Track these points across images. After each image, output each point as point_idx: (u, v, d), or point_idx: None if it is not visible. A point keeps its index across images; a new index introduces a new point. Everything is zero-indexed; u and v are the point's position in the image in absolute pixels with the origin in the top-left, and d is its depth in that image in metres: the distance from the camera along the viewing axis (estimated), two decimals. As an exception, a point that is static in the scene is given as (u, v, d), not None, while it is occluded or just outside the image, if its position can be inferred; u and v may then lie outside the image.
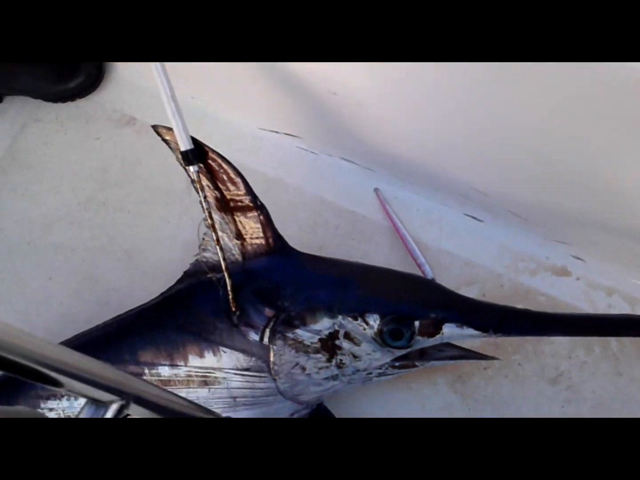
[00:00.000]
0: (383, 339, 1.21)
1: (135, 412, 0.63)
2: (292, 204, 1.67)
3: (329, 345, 1.23)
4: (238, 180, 1.28)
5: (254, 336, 1.26)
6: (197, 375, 1.29)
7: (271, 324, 1.25)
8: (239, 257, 1.34)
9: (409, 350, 1.23)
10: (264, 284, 1.29)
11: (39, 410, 1.32)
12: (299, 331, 1.23)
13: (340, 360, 1.24)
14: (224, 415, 1.29)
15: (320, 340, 1.23)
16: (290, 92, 1.59)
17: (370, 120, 1.55)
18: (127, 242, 1.71)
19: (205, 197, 1.26)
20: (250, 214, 1.30)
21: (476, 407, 1.39)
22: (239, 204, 1.30)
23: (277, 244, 1.33)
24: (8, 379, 1.37)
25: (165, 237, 1.69)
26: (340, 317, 1.22)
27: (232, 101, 1.76)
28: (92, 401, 0.58)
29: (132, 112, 1.89)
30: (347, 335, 1.22)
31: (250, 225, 1.31)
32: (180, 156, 1.26)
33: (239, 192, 1.29)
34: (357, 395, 1.42)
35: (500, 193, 1.52)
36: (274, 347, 1.24)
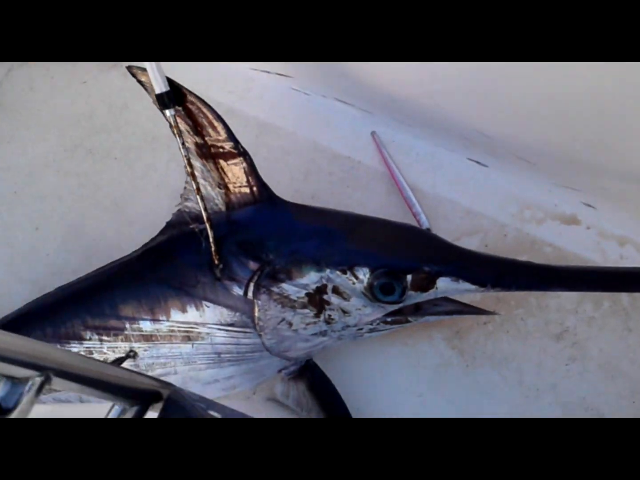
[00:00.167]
0: (373, 293, 1.15)
1: (60, 386, 0.56)
2: (284, 150, 1.58)
3: (316, 300, 1.17)
4: (219, 124, 1.20)
5: (237, 290, 1.20)
6: (179, 331, 1.24)
7: (255, 277, 1.19)
8: (222, 207, 1.27)
9: (400, 305, 1.17)
10: (248, 236, 1.23)
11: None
12: (284, 285, 1.17)
13: (329, 315, 1.19)
14: (208, 371, 1.26)
15: (307, 294, 1.17)
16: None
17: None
18: (114, 191, 1.65)
19: (183, 143, 1.18)
20: (232, 161, 1.22)
21: (474, 364, 1.33)
22: (221, 150, 1.22)
23: (262, 194, 1.26)
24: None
25: (153, 185, 1.63)
26: (328, 271, 1.16)
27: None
28: (7, 379, 0.52)
29: (118, 53, 1.79)
30: (335, 290, 1.16)
31: (234, 173, 1.24)
32: (155, 99, 1.17)
33: (220, 138, 1.21)
34: (348, 351, 1.36)
35: (507, 135, 1.40)
36: (259, 302, 1.19)
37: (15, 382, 0.52)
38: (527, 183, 1.45)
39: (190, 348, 1.24)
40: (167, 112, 1.17)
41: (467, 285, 1.12)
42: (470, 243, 1.38)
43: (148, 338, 1.25)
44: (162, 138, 1.66)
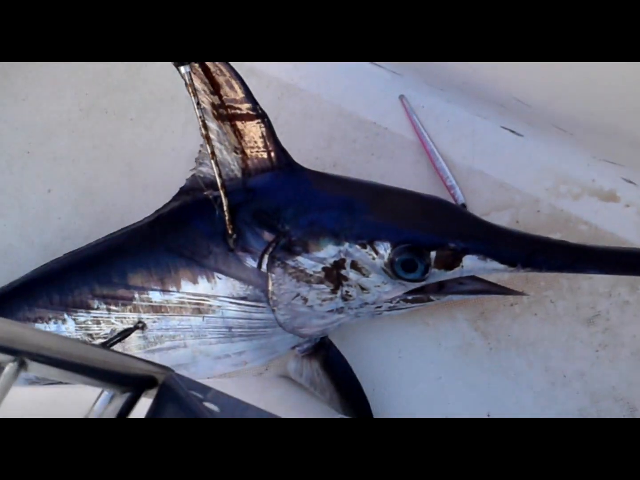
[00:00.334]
0: (394, 270, 1.08)
1: (37, 371, 0.51)
2: (307, 114, 1.50)
3: (333, 275, 1.11)
4: (236, 83, 1.12)
5: (251, 262, 1.14)
6: (190, 302, 1.19)
7: (270, 249, 1.13)
8: (238, 174, 1.20)
9: (423, 283, 1.10)
10: (264, 205, 1.16)
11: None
12: (300, 258, 1.11)
13: (346, 292, 1.13)
14: (219, 345, 1.21)
15: (324, 269, 1.11)
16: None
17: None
18: (128, 154, 1.59)
19: (198, 103, 1.11)
20: (250, 124, 1.15)
21: (499, 347, 1.26)
22: (238, 111, 1.15)
23: (280, 160, 1.19)
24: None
25: (169, 149, 1.57)
26: (347, 244, 1.09)
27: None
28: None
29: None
30: (354, 265, 1.10)
31: (251, 137, 1.17)
32: (169, 54, 1.10)
33: (237, 98, 1.13)
34: (366, 329, 1.31)
35: (545, 103, 1.31)
36: (273, 275, 1.13)
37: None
38: (564, 155, 1.36)
39: (201, 321, 1.19)
40: (182, 69, 1.09)
41: (496, 265, 1.05)
42: (501, 219, 1.30)
43: (157, 309, 1.20)
44: (180, 98, 1.60)
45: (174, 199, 1.27)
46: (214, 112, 1.16)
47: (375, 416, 1.23)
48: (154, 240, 1.23)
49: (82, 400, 0.62)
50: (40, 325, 1.25)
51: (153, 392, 0.61)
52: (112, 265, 1.23)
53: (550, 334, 1.25)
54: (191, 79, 1.10)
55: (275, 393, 1.23)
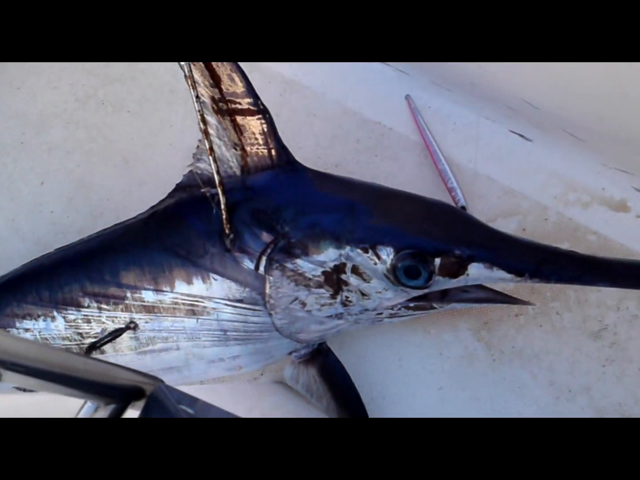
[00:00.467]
0: (396, 276, 1.04)
1: (13, 381, 0.46)
2: (310, 111, 1.46)
3: (333, 279, 1.07)
4: (237, 76, 1.08)
5: (248, 264, 1.10)
6: (184, 303, 1.14)
7: (268, 251, 1.09)
8: (237, 171, 1.16)
9: (426, 291, 1.07)
10: (263, 204, 1.12)
11: (14, 330, 1.21)
12: (299, 261, 1.07)
13: (346, 297, 1.09)
14: (213, 349, 1.17)
15: (323, 273, 1.07)
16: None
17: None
18: (125, 147, 1.55)
19: (197, 96, 1.06)
20: (250, 120, 1.11)
21: (502, 359, 1.22)
22: (238, 106, 1.11)
23: (281, 158, 1.15)
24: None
25: (167, 143, 1.53)
26: (348, 248, 1.05)
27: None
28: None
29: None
30: (355, 270, 1.06)
31: (252, 134, 1.13)
32: (168, 46, 1.05)
33: (238, 92, 1.09)
34: (365, 337, 1.27)
35: (556, 107, 1.27)
36: (271, 277, 1.09)
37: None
38: (574, 162, 1.32)
39: (195, 323, 1.15)
40: (181, 61, 1.05)
41: (502, 274, 1.01)
42: (507, 226, 1.26)
43: (150, 309, 1.16)
44: (179, 92, 1.56)
45: (170, 195, 1.23)
46: (214, 106, 1.12)
47: (372, 426, 1.19)
48: (148, 238, 1.19)
49: (67, 408, 0.58)
50: (28, 322, 1.21)
51: (140, 404, 0.57)
52: (104, 263, 1.19)
53: (555, 347, 1.21)
54: (191, 71, 1.05)
55: (270, 400, 1.19)
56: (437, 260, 1.02)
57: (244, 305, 1.12)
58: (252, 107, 1.10)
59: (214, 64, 1.07)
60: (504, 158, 1.34)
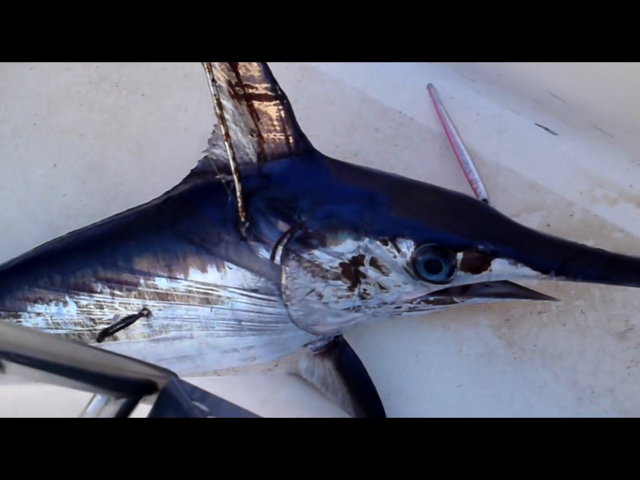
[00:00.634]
0: (416, 270, 1.01)
1: (18, 373, 0.43)
2: (328, 99, 1.42)
3: (351, 271, 1.05)
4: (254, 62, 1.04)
5: (264, 253, 1.07)
6: (198, 292, 1.12)
7: (285, 240, 1.06)
8: (253, 158, 1.13)
9: (446, 286, 1.04)
10: (280, 193, 1.10)
11: (26, 314, 1.19)
12: (316, 252, 1.04)
13: (364, 290, 1.06)
14: (227, 338, 1.14)
15: (341, 265, 1.04)
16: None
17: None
18: (139, 131, 1.52)
19: (214, 80, 1.03)
20: (268, 104, 1.07)
21: (523, 357, 1.19)
22: (255, 90, 1.07)
23: (299, 145, 1.12)
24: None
25: (181, 128, 1.50)
26: (367, 240, 1.03)
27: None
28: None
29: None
30: (373, 262, 1.03)
31: (269, 120, 1.09)
32: (186, 27, 1.02)
33: (255, 76, 1.05)
34: (383, 330, 1.24)
35: (585, 101, 1.23)
36: (287, 268, 1.06)
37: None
38: (602, 157, 1.28)
39: (209, 312, 1.13)
40: (198, 43, 1.02)
41: (527, 270, 0.98)
42: (531, 221, 1.23)
43: (163, 297, 1.13)
44: (195, 76, 1.53)
45: (185, 181, 1.20)
46: (230, 90, 1.08)
47: (388, 422, 1.17)
48: (162, 224, 1.16)
49: (77, 399, 0.55)
50: (40, 307, 1.19)
51: (152, 398, 0.54)
52: (118, 248, 1.17)
53: (579, 346, 1.18)
54: (208, 54, 1.03)
55: (284, 392, 1.16)
56: (460, 255, 0.99)
57: (259, 295, 1.09)
58: (269, 92, 1.07)
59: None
60: (529, 151, 1.30)
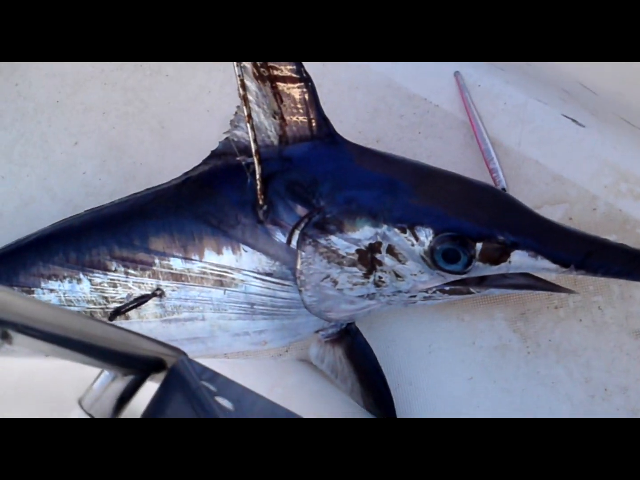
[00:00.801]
0: (434, 259, 1.00)
1: (24, 344, 0.43)
2: (353, 84, 1.40)
3: (367, 258, 1.04)
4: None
5: (280, 237, 1.07)
6: (212, 274, 1.11)
7: (302, 225, 1.06)
8: (275, 140, 1.12)
9: (464, 277, 1.03)
10: (300, 176, 1.09)
11: (39, 290, 1.19)
12: (333, 238, 1.04)
13: (380, 277, 1.05)
14: (239, 322, 1.14)
15: (357, 251, 1.04)
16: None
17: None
18: (161, 111, 1.51)
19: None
20: (292, 87, 1.07)
21: (537, 352, 1.17)
22: (280, 72, 1.06)
23: (322, 129, 1.11)
24: (10, 253, 1.26)
25: (204, 109, 1.49)
26: (385, 227, 1.02)
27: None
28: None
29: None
30: (390, 250, 1.02)
31: (292, 102, 1.08)
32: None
33: None
34: (396, 319, 1.23)
35: (615, 93, 1.20)
36: (303, 253, 1.05)
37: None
38: (629, 151, 1.25)
39: (222, 294, 1.12)
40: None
41: (547, 263, 0.97)
42: (553, 214, 1.20)
43: (177, 277, 1.13)
44: (218, 58, 1.51)
45: (205, 162, 1.19)
46: (255, 71, 1.07)
47: (398, 412, 1.15)
48: (179, 205, 1.15)
49: (84, 375, 0.55)
50: (54, 283, 1.19)
51: (160, 376, 0.54)
52: (134, 227, 1.16)
53: (594, 343, 1.15)
54: (233, 34, 1.01)
55: (294, 378, 1.16)
56: (479, 245, 0.98)
57: (273, 280, 1.09)
58: (294, 75, 1.06)
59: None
60: (555, 143, 1.27)
